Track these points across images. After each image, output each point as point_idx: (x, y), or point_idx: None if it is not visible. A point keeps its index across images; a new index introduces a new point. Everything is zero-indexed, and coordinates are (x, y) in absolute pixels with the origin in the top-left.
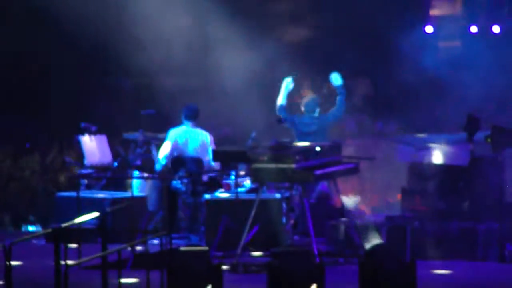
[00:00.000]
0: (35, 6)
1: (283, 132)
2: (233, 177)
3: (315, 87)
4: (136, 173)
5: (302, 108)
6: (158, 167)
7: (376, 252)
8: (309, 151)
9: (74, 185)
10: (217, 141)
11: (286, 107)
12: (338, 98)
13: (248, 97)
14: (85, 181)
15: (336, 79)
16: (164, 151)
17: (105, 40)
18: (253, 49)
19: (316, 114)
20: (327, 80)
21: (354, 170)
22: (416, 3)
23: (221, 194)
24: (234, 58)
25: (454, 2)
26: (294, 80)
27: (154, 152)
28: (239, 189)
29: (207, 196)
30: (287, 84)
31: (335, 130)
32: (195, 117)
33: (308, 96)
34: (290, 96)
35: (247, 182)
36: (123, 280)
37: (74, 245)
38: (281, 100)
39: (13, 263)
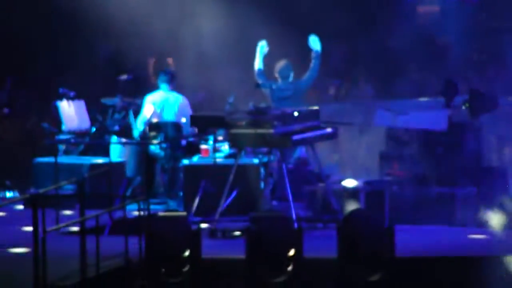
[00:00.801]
0: None
1: (260, 97)
2: (211, 142)
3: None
4: (114, 138)
5: (276, 75)
6: (136, 133)
7: (354, 217)
8: (287, 116)
9: (52, 150)
10: (193, 106)
11: (263, 71)
12: (312, 62)
13: (225, 62)
14: (63, 147)
15: (314, 42)
16: (142, 117)
17: (81, 6)
18: (229, 11)
19: (290, 79)
20: (305, 43)
21: (332, 136)
22: None
23: (199, 159)
24: (209, 22)
25: None
26: (269, 44)
27: (131, 118)
28: (217, 154)
29: (185, 161)
30: (261, 47)
31: (313, 94)
32: (171, 81)
33: (281, 62)
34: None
35: (225, 147)
36: None
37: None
38: (257, 64)
39: None
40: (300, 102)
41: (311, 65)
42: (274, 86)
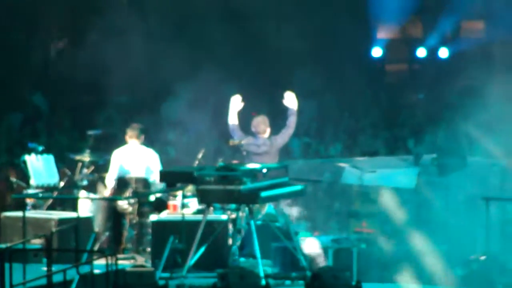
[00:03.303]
0: None
1: (230, 153)
2: (179, 197)
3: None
4: (83, 193)
5: (253, 129)
6: (108, 191)
7: (322, 274)
8: (256, 172)
9: (20, 205)
10: (164, 162)
11: (237, 126)
12: (289, 119)
13: (196, 117)
14: (31, 201)
15: (290, 99)
16: (111, 176)
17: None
18: (199, 69)
19: (267, 135)
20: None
21: (300, 192)
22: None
23: (167, 215)
24: (179, 78)
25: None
26: (243, 99)
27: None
28: (186, 210)
29: (153, 217)
30: (236, 102)
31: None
32: (139, 136)
33: (257, 117)
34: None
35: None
36: None
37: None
38: (231, 119)
39: None
40: (275, 158)
41: (288, 122)
42: (247, 141)
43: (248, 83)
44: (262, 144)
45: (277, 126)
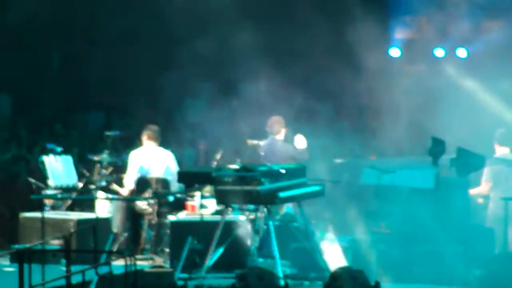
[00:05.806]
0: None
1: (247, 154)
2: (197, 198)
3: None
4: (101, 194)
5: (267, 129)
6: (125, 192)
7: (341, 275)
8: (274, 173)
9: (38, 206)
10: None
11: None
12: (299, 157)
13: (213, 118)
14: (50, 202)
15: (300, 141)
16: (130, 177)
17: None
18: (217, 70)
19: (282, 137)
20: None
21: (319, 193)
22: (381, 26)
23: (186, 215)
24: (197, 78)
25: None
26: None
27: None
28: (204, 211)
29: (171, 217)
30: None
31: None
32: (157, 138)
33: (272, 117)
34: None
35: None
36: None
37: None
38: None
39: None
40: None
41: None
42: (264, 143)
43: (266, 84)
44: (279, 150)
45: (296, 126)
